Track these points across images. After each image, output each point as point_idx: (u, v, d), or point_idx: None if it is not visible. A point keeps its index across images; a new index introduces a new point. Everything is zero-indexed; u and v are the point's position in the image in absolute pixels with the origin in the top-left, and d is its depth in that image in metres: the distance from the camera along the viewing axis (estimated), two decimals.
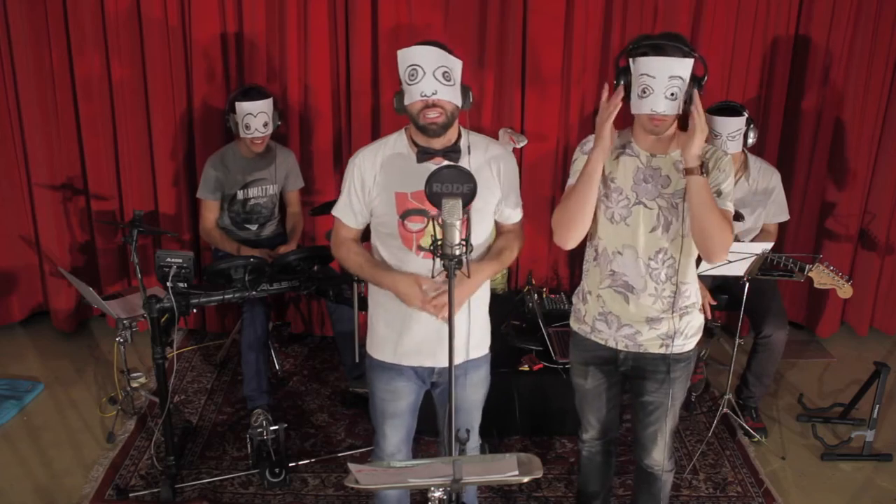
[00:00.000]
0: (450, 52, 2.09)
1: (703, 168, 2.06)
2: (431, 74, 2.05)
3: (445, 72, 2.07)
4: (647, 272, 2.22)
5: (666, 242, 2.19)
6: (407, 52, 2.07)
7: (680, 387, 2.34)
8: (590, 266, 2.34)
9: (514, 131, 3.88)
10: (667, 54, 2.00)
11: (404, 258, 2.22)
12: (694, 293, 2.30)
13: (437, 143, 2.16)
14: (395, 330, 2.27)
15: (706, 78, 2.06)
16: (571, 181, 2.24)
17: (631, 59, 2.05)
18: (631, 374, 2.37)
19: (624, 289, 2.26)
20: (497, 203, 2.26)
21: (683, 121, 2.09)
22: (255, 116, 3.40)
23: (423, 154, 2.16)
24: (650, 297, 2.24)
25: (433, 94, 2.06)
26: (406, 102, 2.11)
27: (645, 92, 2.03)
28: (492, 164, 2.23)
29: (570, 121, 3.98)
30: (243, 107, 3.39)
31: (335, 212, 2.30)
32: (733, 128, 3.21)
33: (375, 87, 3.90)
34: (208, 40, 3.82)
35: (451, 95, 2.09)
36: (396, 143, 2.22)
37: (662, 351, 2.29)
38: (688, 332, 2.30)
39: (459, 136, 2.21)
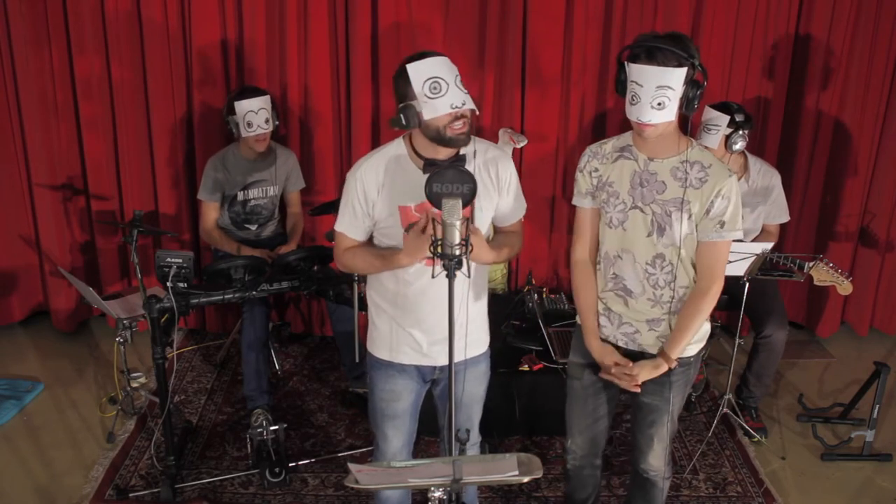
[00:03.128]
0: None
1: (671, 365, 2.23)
2: (454, 84, 2.01)
3: (460, 79, 2.03)
4: (645, 277, 2.22)
5: (662, 248, 2.18)
6: (423, 66, 2.01)
7: (678, 391, 2.32)
8: (596, 269, 2.35)
9: (514, 131, 3.88)
10: (657, 62, 1.99)
11: (408, 266, 2.20)
12: None
13: (444, 154, 2.12)
14: (400, 329, 2.27)
15: (705, 85, 2.04)
16: (576, 201, 2.31)
17: (626, 62, 2.05)
18: None
19: (623, 292, 2.26)
20: (494, 206, 2.25)
21: (684, 123, 2.09)
22: (257, 113, 3.40)
23: (430, 166, 2.09)
24: (648, 301, 2.24)
25: (462, 104, 2.02)
26: (428, 117, 2.03)
27: (634, 99, 2.03)
28: (490, 168, 2.21)
29: (570, 121, 3.98)
30: (243, 105, 3.39)
31: (339, 227, 2.24)
32: (713, 120, 3.23)
33: (375, 88, 3.90)
34: (208, 41, 3.82)
35: (473, 103, 2.06)
36: (398, 154, 2.16)
37: None
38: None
39: None
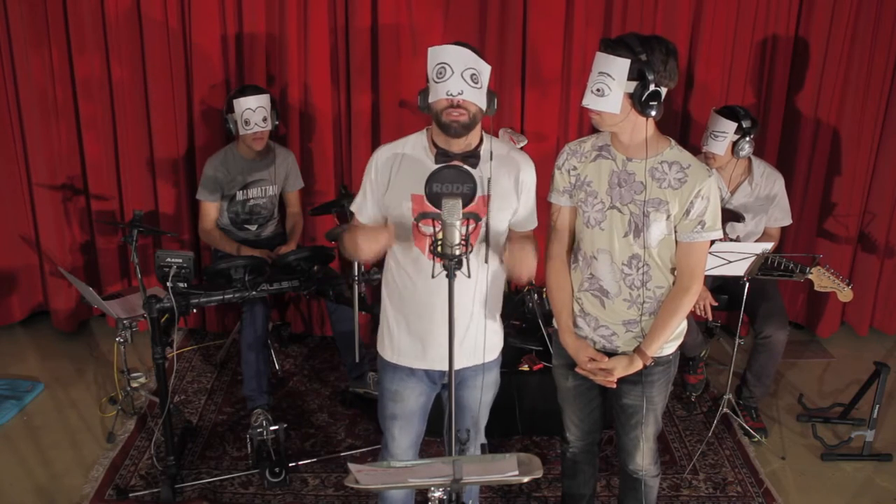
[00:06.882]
0: (480, 56, 2.07)
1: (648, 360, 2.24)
2: (459, 75, 2.03)
3: (473, 74, 2.04)
4: (622, 277, 2.21)
5: (638, 249, 2.18)
6: (438, 50, 2.05)
7: (659, 391, 2.32)
8: (571, 269, 2.34)
9: (514, 131, 3.88)
10: (603, 50, 2.02)
11: (416, 259, 2.20)
12: None
13: (457, 147, 2.12)
14: (417, 337, 2.25)
15: (659, 91, 2.01)
16: (553, 199, 2.28)
17: None
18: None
19: (600, 293, 2.26)
20: (513, 212, 2.23)
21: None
22: (254, 111, 3.40)
23: (442, 157, 2.12)
24: (625, 301, 2.23)
25: (459, 93, 2.03)
26: (431, 100, 2.08)
27: (587, 86, 2.08)
28: (512, 172, 2.19)
29: (570, 121, 3.98)
30: (241, 103, 3.39)
31: (352, 206, 2.30)
32: (720, 127, 3.21)
33: (375, 87, 3.90)
34: (208, 40, 3.82)
35: (477, 97, 2.06)
36: (416, 144, 2.20)
37: None
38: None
39: (481, 141, 2.17)
